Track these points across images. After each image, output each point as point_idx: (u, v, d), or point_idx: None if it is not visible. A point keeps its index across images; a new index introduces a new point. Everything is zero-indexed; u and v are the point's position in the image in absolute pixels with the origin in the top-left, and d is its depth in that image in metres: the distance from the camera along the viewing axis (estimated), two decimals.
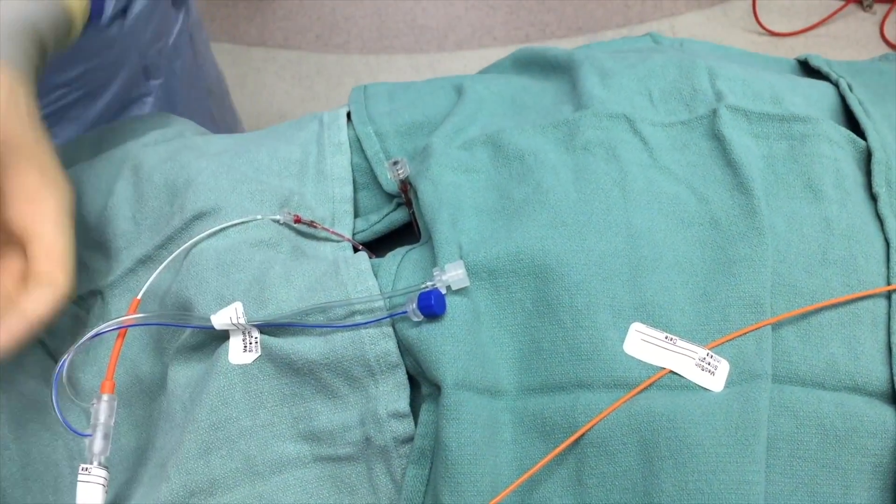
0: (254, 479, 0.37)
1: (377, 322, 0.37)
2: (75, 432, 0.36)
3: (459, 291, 0.37)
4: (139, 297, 0.40)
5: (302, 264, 0.40)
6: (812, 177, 0.40)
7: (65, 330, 0.44)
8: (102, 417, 0.36)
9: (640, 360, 0.35)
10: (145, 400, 0.42)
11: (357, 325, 0.37)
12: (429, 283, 0.37)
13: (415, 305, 0.36)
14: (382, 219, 0.46)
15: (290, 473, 0.37)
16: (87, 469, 0.35)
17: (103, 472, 0.36)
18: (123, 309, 0.44)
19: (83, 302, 0.45)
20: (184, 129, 0.52)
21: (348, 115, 0.50)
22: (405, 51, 1.33)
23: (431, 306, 0.36)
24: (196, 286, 0.39)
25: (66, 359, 0.37)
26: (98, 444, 0.36)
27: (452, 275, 0.37)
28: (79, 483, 0.35)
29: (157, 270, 0.41)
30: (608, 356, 0.35)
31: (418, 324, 0.37)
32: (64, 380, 0.37)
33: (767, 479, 0.34)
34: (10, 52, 0.36)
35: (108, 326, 0.38)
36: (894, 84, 0.48)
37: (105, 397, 0.37)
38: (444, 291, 0.37)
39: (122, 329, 0.38)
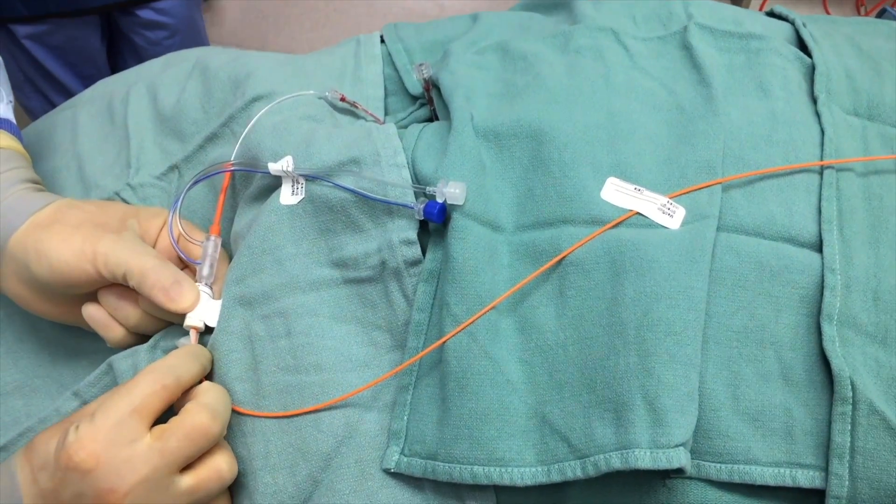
0: (296, 293, 0.45)
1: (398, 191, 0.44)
2: (189, 260, 0.48)
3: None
4: (232, 160, 0.50)
5: (341, 130, 0.48)
6: (763, 80, 0.49)
7: (157, 203, 0.53)
8: (210, 251, 0.48)
9: (614, 205, 0.43)
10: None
11: (378, 199, 0.44)
12: (433, 190, 0.43)
13: (420, 207, 0.43)
14: (408, 116, 0.55)
15: (325, 291, 0.46)
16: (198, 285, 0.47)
17: (207, 289, 0.47)
18: None
19: (164, 177, 0.54)
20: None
21: (381, 38, 0.59)
22: None
23: (433, 214, 0.43)
24: (256, 146, 0.48)
25: (178, 201, 0.49)
26: (206, 270, 0.47)
27: (452, 191, 0.42)
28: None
29: (238, 143, 0.50)
30: (588, 199, 0.43)
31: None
32: (178, 222, 0.49)
33: (714, 304, 0.42)
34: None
35: (211, 171, 0.50)
36: (844, 25, 0.57)
37: (213, 238, 0.48)
38: (441, 200, 0.43)
39: (227, 173, 0.50)
